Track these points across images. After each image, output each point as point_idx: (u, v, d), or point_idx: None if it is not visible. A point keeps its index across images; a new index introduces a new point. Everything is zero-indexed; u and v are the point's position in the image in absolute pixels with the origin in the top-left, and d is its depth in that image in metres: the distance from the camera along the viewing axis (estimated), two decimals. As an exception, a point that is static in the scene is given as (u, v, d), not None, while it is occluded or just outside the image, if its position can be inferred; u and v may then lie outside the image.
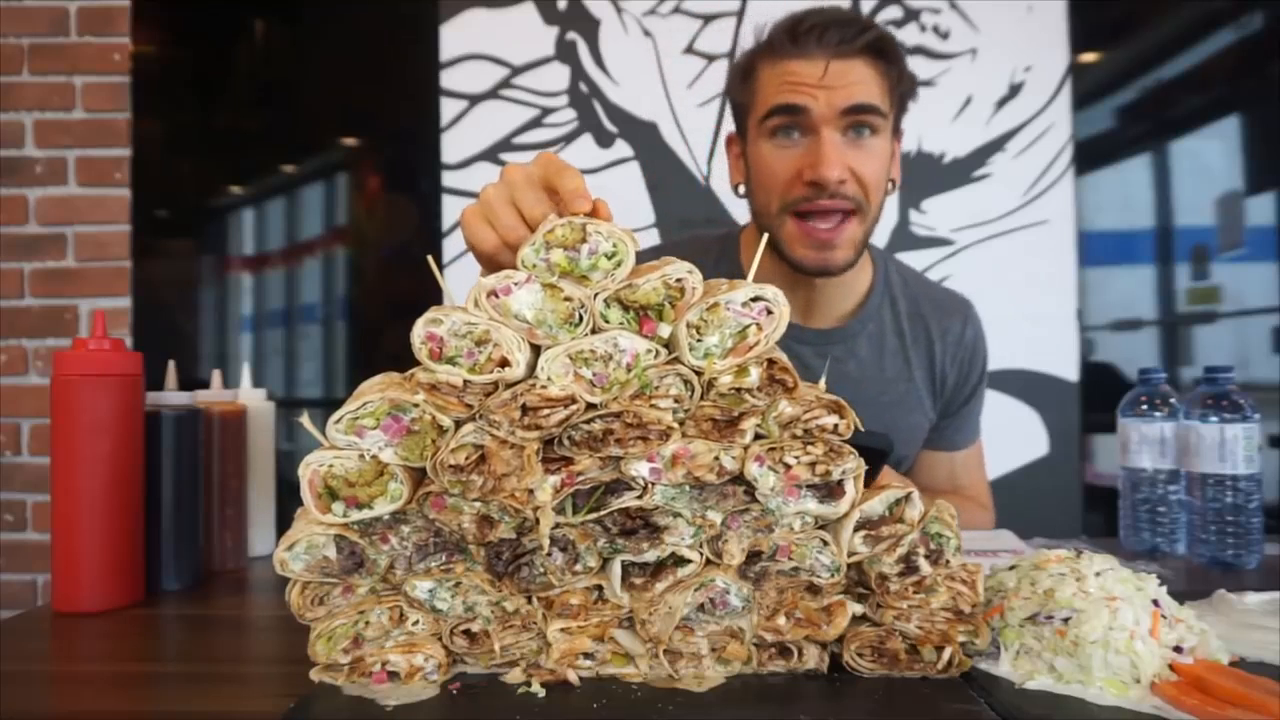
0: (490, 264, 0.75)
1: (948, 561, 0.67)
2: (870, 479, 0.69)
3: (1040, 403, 2.04)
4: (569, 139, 2.11)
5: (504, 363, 0.63)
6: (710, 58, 2.10)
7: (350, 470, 0.64)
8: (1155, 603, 0.66)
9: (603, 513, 0.66)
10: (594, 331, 0.64)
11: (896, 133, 1.15)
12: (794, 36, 1.06)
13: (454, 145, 2.12)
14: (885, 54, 1.07)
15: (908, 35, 2.09)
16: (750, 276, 0.68)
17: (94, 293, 2.13)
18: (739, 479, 0.66)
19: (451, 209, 2.11)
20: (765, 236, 0.77)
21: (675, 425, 0.64)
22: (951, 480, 1.30)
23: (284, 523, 0.97)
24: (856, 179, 1.06)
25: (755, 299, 0.65)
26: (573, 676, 0.66)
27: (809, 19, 1.07)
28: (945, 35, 2.09)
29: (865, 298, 1.22)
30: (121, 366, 0.90)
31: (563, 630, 0.67)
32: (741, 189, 1.19)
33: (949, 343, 1.24)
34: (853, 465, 0.66)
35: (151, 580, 0.93)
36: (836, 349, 1.20)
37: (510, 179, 0.75)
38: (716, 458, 0.65)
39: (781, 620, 0.67)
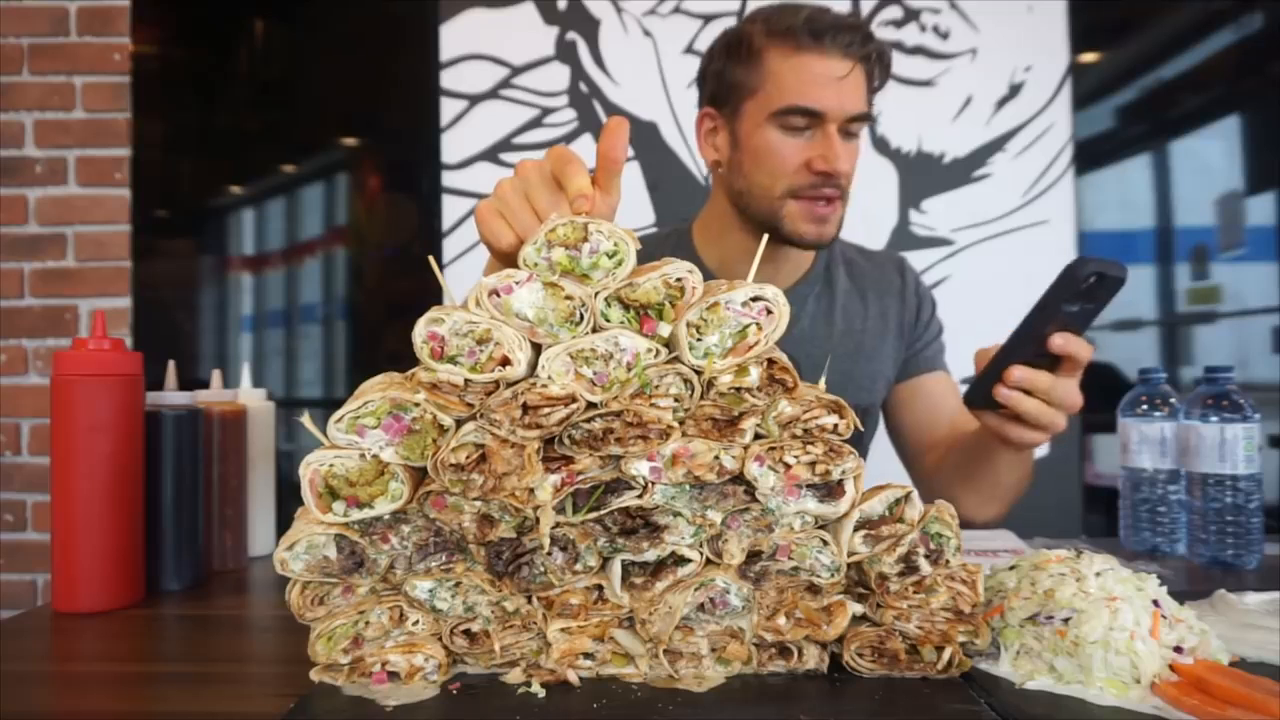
0: (507, 261, 0.75)
1: (948, 561, 0.67)
2: (1103, 304, 0.84)
3: (1040, 403, 2.03)
4: (569, 139, 2.11)
5: (505, 361, 0.63)
6: (710, 58, 2.09)
7: (351, 469, 0.64)
8: (1155, 603, 0.66)
9: (603, 512, 0.66)
10: (595, 330, 0.64)
11: None
12: (814, 32, 1.12)
13: (454, 145, 2.12)
14: (885, 65, 1.17)
15: (908, 35, 2.09)
16: (750, 276, 0.68)
17: (94, 293, 2.13)
18: (739, 478, 0.66)
19: (451, 209, 2.11)
20: (765, 237, 0.78)
21: (675, 424, 0.64)
22: (959, 400, 1.34)
23: (284, 523, 0.97)
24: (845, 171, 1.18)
25: (755, 299, 0.65)
26: (573, 676, 0.66)
27: (824, 17, 1.13)
28: (945, 35, 2.09)
29: (812, 265, 1.32)
30: (121, 366, 0.90)
31: (563, 630, 0.67)
32: (720, 168, 1.24)
33: (893, 290, 1.35)
34: (852, 465, 0.66)
35: (152, 580, 0.93)
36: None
37: (525, 175, 0.76)
38: (716, 457, 0.65)
39: (781, 620, 0.67)
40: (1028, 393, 0.88)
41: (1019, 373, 0.86)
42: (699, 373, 0.64)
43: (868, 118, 1.17)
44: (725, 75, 1.19)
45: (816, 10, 1.14)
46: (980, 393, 0.90)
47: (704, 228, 1.31)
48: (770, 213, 1.17)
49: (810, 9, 1.14)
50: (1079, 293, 0.84)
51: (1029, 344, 0.87)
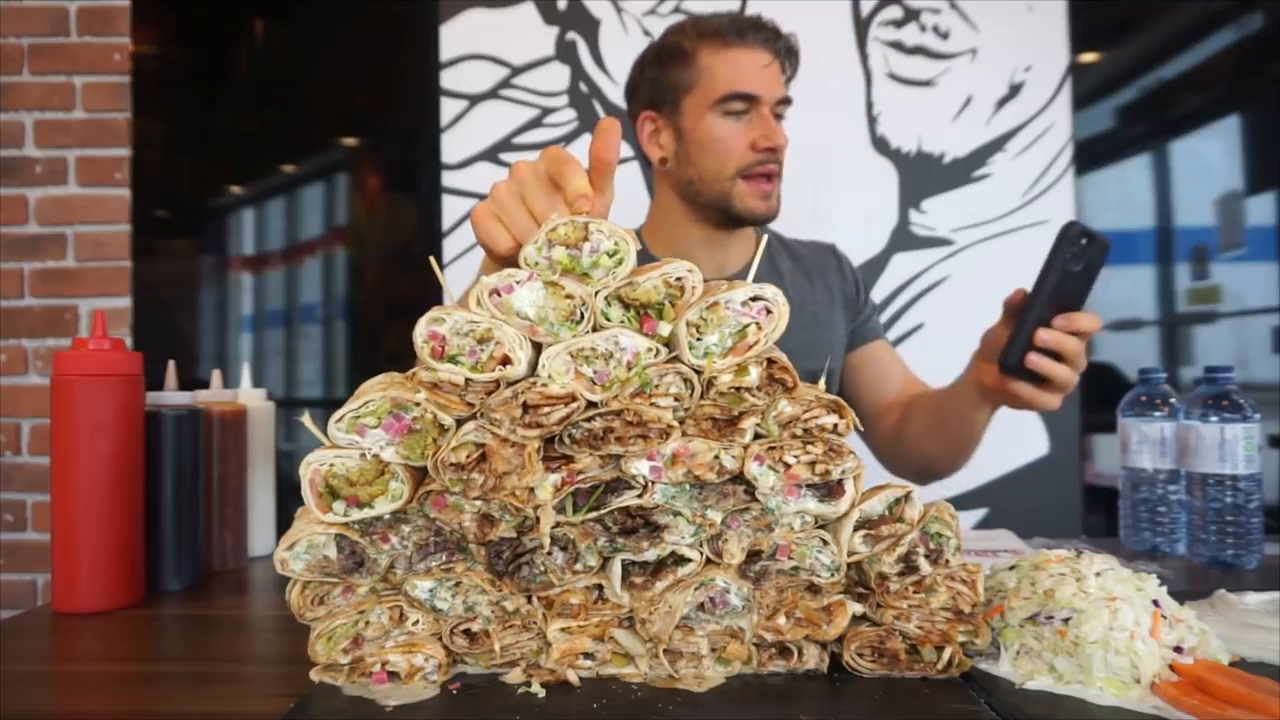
0: (505, 265, 0.75)
1: (948, 561, 0.67)
2: (1097, 268, 0.93)
3: (1040, 403, 2.03)
4: (569, 139, 2.11)
5: (506, 361, 0.63)
6: (710, 58, 2.09)
7: (351, 469, 0.64)
8: (1155, 603, 0.66)
9: (603, 511, 0.66)
10: (595, 329, 0.64)
11: None
12: (739, 30, 1.29)
13: (454, 145, 2.12)
14: (794, 58, 1.33)
15: (908, 35, 2.09)
16: (751, 276, 0.68)
17: (94, 293, 2.13)
18: (739, 478, 0.66)
19: (451, 209, 2.11)
20: (765, 239, 0.78)
21: (675, 424, 0.64)
22: (901, 365, 1.47)
23: (284, 523, 0.97)
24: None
25: (755, 298, 0.65)
26: (573, 676, 0.66)
27: (744, 18, 1.31)
28: (945, 35, 2.09)
29: (755, 250, 1.35)
30: (121, 366, 0.90)
31: (563, 630, 0.67)
32: (666, 164, 1.35)
33: (832, 269, 1.48)
34: (852, 465, 0.66)
35: (152, 580, 0.93)
36: None
37: (521, 177, 0.76)
38: (716, 456, 0.65)
39: (781, 620, 0.67)
40: (1056, 356, 0.94)
41: (1044, 334, 0.93)
42: (699, 372, 0.64)
43: (790, 101, 1.32)
44: (661, 79, 1.33)
45: (734, 14, 1.34)
46: (1014, 358, 0.95)
47: (652, 226, 1.40)
48: (721, 195, 1.30)
49: (728, 13, 1.33)
50: (1076, 253, 0.93)
51: (1048, 306, 0.93)
